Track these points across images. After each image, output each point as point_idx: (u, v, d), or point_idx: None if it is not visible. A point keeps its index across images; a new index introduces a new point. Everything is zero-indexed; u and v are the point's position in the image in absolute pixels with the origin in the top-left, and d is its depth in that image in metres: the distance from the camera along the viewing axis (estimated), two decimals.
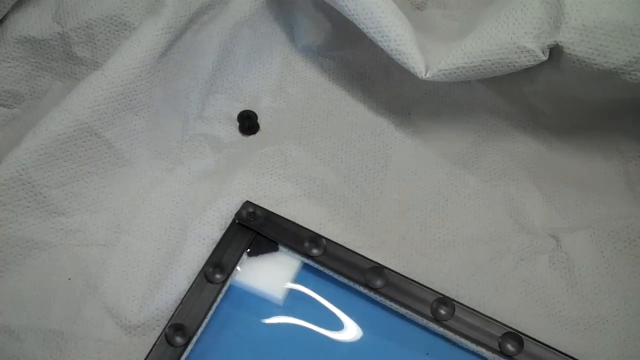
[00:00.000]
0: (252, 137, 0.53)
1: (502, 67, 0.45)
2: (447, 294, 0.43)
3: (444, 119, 0.53)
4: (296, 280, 0.45)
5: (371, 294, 0.44)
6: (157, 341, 0.42)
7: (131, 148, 0.49)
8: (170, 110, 0.51)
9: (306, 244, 0.45)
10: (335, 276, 0.45)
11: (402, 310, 0.43)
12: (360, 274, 0.44)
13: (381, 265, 0.44)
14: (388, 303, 0.44)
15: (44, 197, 0.46)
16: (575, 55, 0.43)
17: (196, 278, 0.44)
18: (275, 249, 0.46)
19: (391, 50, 0.47)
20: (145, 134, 0.50)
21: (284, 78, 0.56)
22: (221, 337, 0.43)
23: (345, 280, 0.44)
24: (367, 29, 0.47)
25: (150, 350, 0.41)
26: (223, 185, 0.49)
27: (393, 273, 0.44)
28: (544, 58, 0.44)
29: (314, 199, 0.49)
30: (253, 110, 0.54)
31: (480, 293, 0.45)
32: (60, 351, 0.42)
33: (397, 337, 0.43)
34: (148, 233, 0.47)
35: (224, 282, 0.44)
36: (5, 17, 0.51)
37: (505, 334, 0.41)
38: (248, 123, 0.53)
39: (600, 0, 0.42)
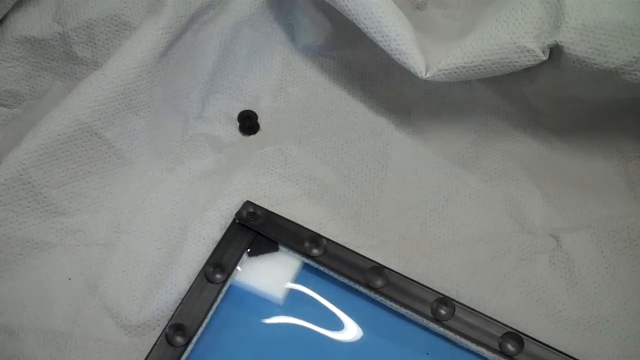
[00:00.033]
0: (252, 137, 0.53)
1: (502, 66, 0.45)
2: (447, 294, 0.43)
3: (444, 118, 0.53)
4: (296, 280, 0.45)
5: (371, 294, 0.44)
6: (157, 341, 0.42)
7: (131, 148, 0.49)
8: (171, 110, 0.51)
9: (306, 244, 0.45)
10: (336, 276, 0.45)
11: (403, 310, 0.43)
12: (361, 273, 0.44)
13: (381, 265, 0.44)
14: (388, 303, 0.44)
15: (44, 197, 0.46)
16: (576, 55, 0.43)
17: (196, 278, 0.44)
18: (276, 249, 0.46)
19: (391, 50, 0.47)
20: (145, 134, 0.50)
21: (284, 78, 0.56)
22: (221, 337, 0.43)
23: (346, 280, 0.44)
24: (367, 28, 0.47)
25: (151, 350, 0.41)
26: (223, 185, 0.49)
27: (393, 273, 0.44)
28: (544, 58, 0.44)
29: (314, 198, 0.49)
30: (253, 110, 0.54)
31: (481, 293, 0.45)
32: (60, 351, 0.42)
33: (397, 337, 0.43)
34: (148, 233, 0.47)
35: (224, 282, 0.44)
36: (5, 16, 0.51)
37: (505, 334, 0.41)
38: (248, 123, 0.53)
39: (600, 0, 0.42)
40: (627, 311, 0.44)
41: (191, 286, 0.44)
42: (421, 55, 0.47)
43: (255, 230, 0.46)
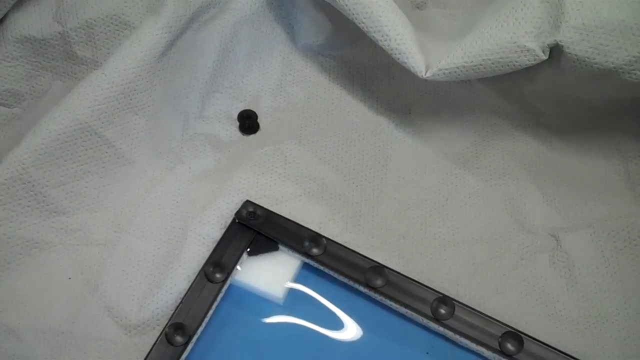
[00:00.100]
0: (252, 136, 0.53)
1: (502, 66, 0.45)
2: (447, 293, 0.43)
3: (444, 118, 0.53)
4: (296, 279, 0.45)
5: (371, 294, 0.44)
6: (157, 340, 0.42)
7: (131, 147, 0.49)
8: (171, 110, 0.51)
9: (306, 244, 0.45)
10: (336, 275, 0.45)
11: (402, 310, 0.43)
12: (361, 273, 0.44)
13: (381, 264, 0.44)
14: (388, 302, 0.44)
15: (44, 197, 0.46)
16: (576, 55, 0.43)
17: (196, 277, 0.44)
18: (276, 249, 0.46)
19: (391, 50, 0.47)
20: (145, 133, 0.50)
21: (284, 77, 0.56)
22: (221, 337, 0.43)
23: (346, 280, 0.44)
24: (367, 28, 0.47)
25: (151, 350, 0.41)
26: (223, 184, 0.49)
27: (393, 272, 0.44)
28: (544, 57, 0.44)
29: (314, 198, 0.49)
30: (253, 109, 0.54)
31: (481, 292, 0.45)
32: (60, 350, 0.42)
33: (397, 336, 0.43)
34: (148, 232, 0.47)
35: (224, 281, 0.44)
36: (5, 16, 0.51)
37: (505, 333, 0.41)
38: (248, 122, 0.53)
39: (600, 0, 0.42)
40: (627, 311, 0.44)
41: (191, 286, 0.44)
42: (421, 54, 0.47)
43: (255, 230, 0.46)
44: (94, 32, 0.51)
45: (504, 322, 0.42)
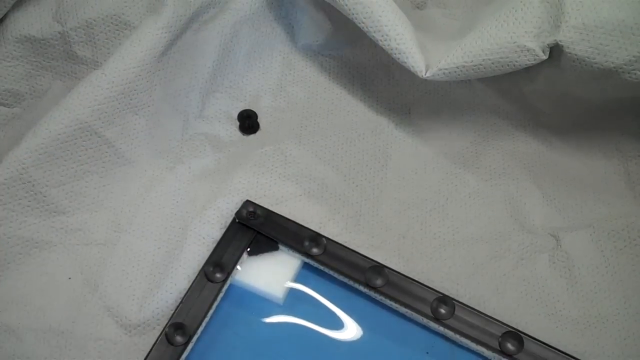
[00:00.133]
0: (252, 136, 0.53)
1: (502, 66, 0.45)
2: (447, 293, 0.43)
3: (444, 118, 0.53)
4: (296, 279, 0.46)
5: (371, 293, 0.44)
6: (157, 340, 0.42)
7: (131, 147, 0.49)
8: (171, 110, 0.51)
9: (306, 243, 0.45)
10: (336, 275, 0.45)
11: (402, 310, 0.43)
12: (361, 273, 0.44)
13: (381, 264, 0.44)
14: (388, 302, 0.44)
15: (44, 196, 0.46)
16: (575, 54, 0.43)
17: (196, 277, 0.44)
18: (276, 248, 0.46)
19: (391, 50, 0.47)
20: (145, 133, 0.50)
21: (284, 77, 0.56)
22: (221, 336, 0.43)
23: (346, 280, 0.44)
24: (367, 28, 0.47)
25: (151, 350, 0.41)
26: (223, 184, 0.49)
27: (393, 272, 0.44)
28: (544, 57, 0.44)
29: (314, 198, 0.49)
30: (253, 109, 0.54)
31: (481, 292, 0.45)
32: (60, 350, 0.42)
33: (397, 336, 0.43)
34: (148, 232, 0.47)
35: (224, 281, 0.44)
36: (5, 16, 0.51)
37: (505, 333, 0.41)
38: (248, 122, 0.53)
39: (600, 0, 0.42)
40: (627, 310, 0.44)
41: (191, 285, 0.44)
42: (421, 54, 0.47)
43: (255, 230, 0.46)
44: (94, 32, 0.51)
45: (504, 321, 0.42)
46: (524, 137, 0.52)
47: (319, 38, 0.56)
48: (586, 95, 0.48)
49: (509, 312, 0.44)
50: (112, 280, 0.45)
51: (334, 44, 0.56)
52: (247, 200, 0.47)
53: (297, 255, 0.46)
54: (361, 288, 0.44)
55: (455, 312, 0.42)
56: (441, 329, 0.42)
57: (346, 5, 0.47)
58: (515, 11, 0.44)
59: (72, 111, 0.46)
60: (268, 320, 0.44)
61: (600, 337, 0.43)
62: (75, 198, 0.47)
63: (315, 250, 0.45)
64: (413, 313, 0.43)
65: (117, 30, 0.51)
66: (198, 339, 0.43)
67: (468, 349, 0.42)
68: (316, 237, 0.45)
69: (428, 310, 0.43)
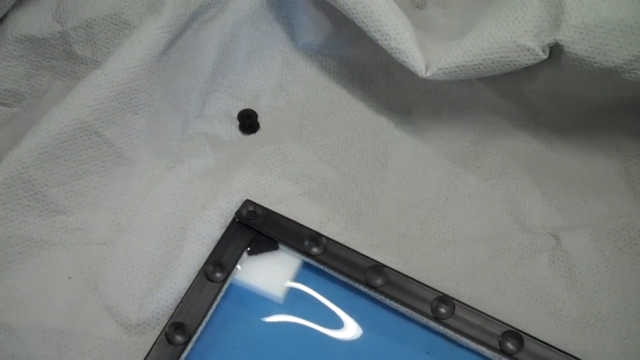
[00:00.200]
0: (252, 135, 0.53)
1: (502, 65, 0.45)
2: (447, 293, 0.43)
3: (444, 117, 0.53)
4: (296, 279, 0.46)
5: (371, 293, 0.44)
6: (157, 340, 0.42)
7: (131, 147, 0.49)
8: (171, 109, 0.51)
9: (306, 243, 0.45)
10: (336, 275, 0.45)
11: (402, 309, 0.43)
12: (361, 272, 0.44)
13: (381, 263, 0.44)
14: (388, 302, 0.44)
15: (44, 196, 0.46)
16: (575, 54, 0.43)
17: (196, 277, 0.44)
18: (276, 248, 0.46)
19: (391, 49, 0.47)
20: (145, 133, 0.50)
21: (284, 77, 0.56)
22: (221, 336, 0.43)
23: (346, 279, 0.44)
24: (367, 27, 0.47)
25: (151, 349, 0.41)
26: (223, 183, 0.49)
27: (393, 272, 0.44)
28: (544, 57, 0.44)
29: (314, 197, 0.49)
30: (253, 109, 0.54)
31: (481, 291, 0.45)
32: (60, 350, 0.42)
33: (397, 335, 0.43)
34: (148, 232, 0.47)
35: (224, 280, 0.44)
36: (5, 15, 0.51)
37: (505, 332, 0.41)
38: (248, 122, 0.53)
39: None
40: (627, 310, 0.44)
41: (191, 285, 0.44)
42: (421, 54, 0.47)
43: (255, 229, 0.46)
44: (94, 32, 0.51)
45: (504, 321, 0.42)
46: (524, 137, 0.52)
47: (319, 37, 0.56)
48: (586, 95, 0.48)
49: (509, 311, 0.44)
50: (112, 279, 0.45)
51: (334, 44, 0.56)
52: (247, 200, 0.47)
53: (297, 254, 0.46)
54: (361, 287, 0.44)
55: (455, 312, 0.42)
56: (441, 328, 0.42)
57: (346, 4, 0.47)
58: (515, 10, 0.44)
59: (72, 111, 0.46)
60: (268, 319, 0.44)
61: (600, 336, 0.43)
62: (75, 197, 0.47)
63: (315, 250, 0.45)
64: (413, 312, 0.43)
65: (117, 29, 0.51)
66: (198, 338, 0.43)
67: (468, 349, 0.42)
68: (316, 237, 0.45)
69: (428, 310, 0.43)
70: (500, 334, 0.41)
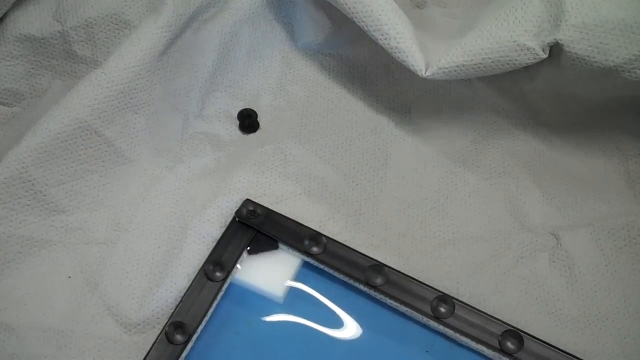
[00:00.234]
0: (252, 135, 0.53)
1: (502, 65, 0.45)
2: (447, 292, 0.43)
3: (444, 117, 0.53)
4: (296, 278, 0.46)
5: (371, 292, 0.44)
6: (157, 339, 0.42)
7: (131, 146, 0.49)
8: (171, 109, 0.51)
9: (306, 242, 0.45)
10: (336, 274, 0.45)
11: (402, 308, 0.43)
12: (361, 271, 0.44)
13: (381, 263, 0.44)
14: (388, 301, 0.44)
15: (44, 196, 0.46)
16: (575, 53, 0.43)
17: (196, 276, 0.44)
18: (276, 247, 0.46)
19: (391, 49, 0.47)
20: (145, 132, 0.50)
21: (284, 76, 0.56)
22: (221, 335, 0.43)
23: (346, 278, 0.44)
24: (366, 27, 0.47)
25: (151, 348, 0.41)
26: (223, 183, 0.49)
27: (393, 271, 0.44)
28: (544, 56, 0.44)
29: (314, 197, 0.49)
30: (253, 108, 0.54)
31: (480, 291, 0.45)
32: (60, 349, 0.42)
33: (397, 335, 0.43)
34: (148, 231, 0.47)
35: (224, 280, 0.44)
36: (5, 15, 0.51)
37: (505, 331, 0.41)
38: (248, 121, 0.53)
39: None
40: (627, 309, 0.44)
41: (191, 284, 0.44)
42: (421, 53, 0.47)
43: (255, 229, 0.46)
44: (94, 31, 0.51)
45: (504, 320, 0.42)
46: (524, 136, 0.52)
47: (319, 37, 0.56)
48: (586, 94, 0.48)
49: (509, 310, 0.44)
50: (112, 279, 0.45)
51: (334, 43, 0.56)
52: (247, 199, 0.47)
53: (297, 254, 0.46)
54: (361, 287, 0.44)
55: (455, 311, 0.42)
56: (441, 327, 0.42)
57: (346, 4, 0.47)
58: (515, 10, 0.44)
59: (72, 110, 0.46)
60: (268, 319, 0.44)
61: (600, 335, 0.43)
62: (75, 197, 0.47)
63: (315, 249, 0.45)
64: (413, 312, 0.43)
65: (117, 29, 0.51)
66: (198, 337, 0.43)
67: (468, 348, 0.42)
68: (316, 236, 0.45)
69: (428, 309, 0.43)
70: (500, 333, 0.41)
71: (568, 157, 0.51)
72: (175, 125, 0.52)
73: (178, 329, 0.42)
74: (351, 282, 0.44)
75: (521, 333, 0.41)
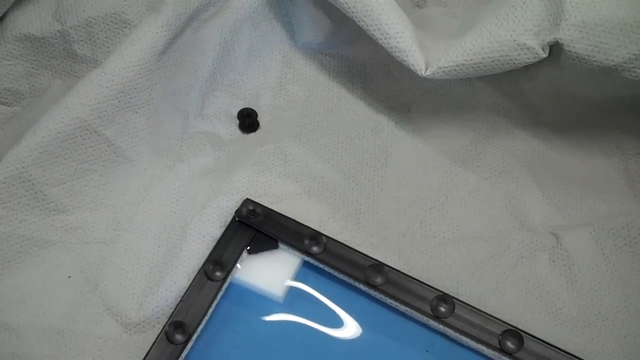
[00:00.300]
0: (252, 134, 0.53)
1: (502, 64, 0.45)
2: (447, 292, 0.43)
3: (444, 116, 0.53)
4: (296, 277, 0.46)
5: (371, 292, 0.44)
6: (157, 339, 0.42)
7: (131, 146, 0.49)
8: (171, 108, 0.51)
9: (306, 242, 0.45)
10: (336, 274, 0.45)
11: (402, 308, 0.43)
12: (361, 271, 0.44)
13: (381, 262, 0.44)
14: (388, 300, 0.44)
15: (44, 195, 0.46)
16: (575, 53, 0.43)
17: (196, 275, 0.44)
18: (276, 247, 0.46)
19: (391, 48, 0.47)
20: (145, 132, 0.50)
21: (284, 76, 0.56)
22: (221, 335, 0.43)
23: (346, 278, 0.44)
24: (366, 26, 0.47)
25: (151, 348, 0.41)
26: (223, 182, 0.49)
27: (393, 270, 0.44)
28: (544, 55, 0.44)
29: (314, 196, 0.49)
30: (253, 107, 0.54)
31: (480, 290, 0.45)
32: (60, 349, 0.43)
33: (397, 334, 0.43)
34: (148, 231, 0.47)
35: (224, 279, 0.44)
36: (5, 14, 0.51)
37: (505, 331, 0.41)
38: (248, 121, 0.53)
39: None
40: (627, 309, 0.44)
41: (191, 284, 0.44)
42: (421, 53, 0.47)
43: (255, 228, 0.46)
44: (94, 31, 0.51)
45: (504, 320, 0.42)
46: (523, 136, 0.52)
47: (319, 36, 0.56)
48: (586, 94, 0.48)
49: (509, 310, 0.44)
50: (112, 278, 0.45)
51: (334, 43, 0.56)
52: (247, 199, 0.47)
53: (297, 253, 0.46)
54: (361, 286, 0.44)
55: (455, 311, 0.42)
56: (441, 327, 0.42)
57: (346, 3, 0.47)
58: (515, 9, 0.44)
59: (72, 110, 0.46)
60: (268, 318, 0.44)
61: (600, 335, 0.43)
62: (75, 197, 0.47)
63: (315, 249, 0.45)
64: (413, 311, 0.43)
65: (117, 28, 0.51)
66: (198, 337, 0.43)
67: (468, 347, 0.42)
68: (316, 236, 0.45)
69: (428, 309, 0.43)
70: (500, 332, 0.41)
71: (568, 156, 0.51)
72: (175, 124, 0.52)
73: (178, 328, 0.42)
74: (351, 281, 0.44)
75: (521, 332, 0.41)
